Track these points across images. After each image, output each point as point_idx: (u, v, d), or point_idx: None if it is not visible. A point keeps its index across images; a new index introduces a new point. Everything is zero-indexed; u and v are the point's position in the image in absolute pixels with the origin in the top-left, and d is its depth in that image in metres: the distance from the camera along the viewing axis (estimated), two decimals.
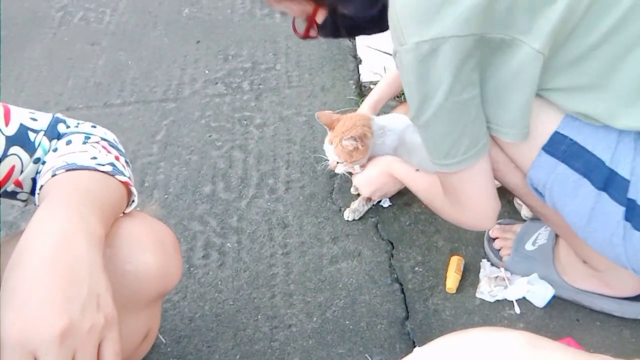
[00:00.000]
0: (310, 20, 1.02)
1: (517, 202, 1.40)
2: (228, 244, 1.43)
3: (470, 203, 1.02)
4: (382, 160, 1.39)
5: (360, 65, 1.99)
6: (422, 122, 0.93)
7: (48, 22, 2.44)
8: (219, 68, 2.08)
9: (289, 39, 2.19)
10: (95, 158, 0.80)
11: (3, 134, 0.81)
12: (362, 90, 1.90)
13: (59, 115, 0.91)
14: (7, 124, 0.82)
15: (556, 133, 0.91)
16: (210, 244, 1.44)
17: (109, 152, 0.85)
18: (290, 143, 1.71)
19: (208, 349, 1.21)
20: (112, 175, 0.79)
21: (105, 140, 0.89)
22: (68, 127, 0.89)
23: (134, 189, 0.84)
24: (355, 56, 2.05)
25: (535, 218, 1.28)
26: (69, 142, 0.84)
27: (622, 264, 0.95)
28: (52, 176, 0.75)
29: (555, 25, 0.82)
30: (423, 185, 1.23)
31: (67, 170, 0.75)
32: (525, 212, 1.36)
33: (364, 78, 1.93)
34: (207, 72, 2.07)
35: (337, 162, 1.41)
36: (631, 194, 0.87)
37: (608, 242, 0.93)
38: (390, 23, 0.88)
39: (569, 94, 0.89)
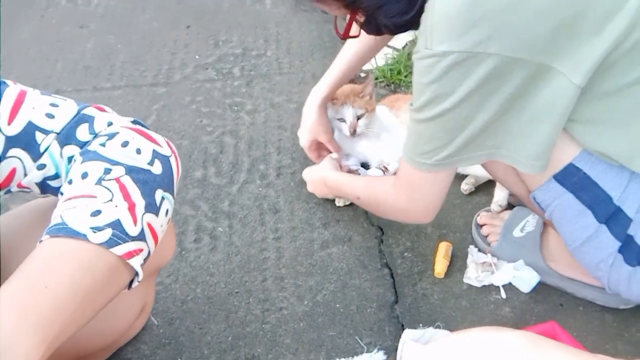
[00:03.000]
0: (350, 22, 1.01)
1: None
2: (219, 228, 1.44)
3: (421, 200, 1.07)
4: (321, 168, 1.44)
5: None
6: (417, 118, 0.94)
7: (36, 3, 2.41)
8: (209, 53, 2.08)
9: (280, 26, 2.19)
10: (97, 214, 0.68)
11: (3, 134, 0.74)
12: (353, 79, 1.90)
13: (88, 110, 0.79)
14: (10, 122, 0.74)
15: (570, 165, 0.93)
16: (202, 228, 1.45)
17: (127, 194, 0.72)
18: (281, 129, 1.72)
19: (200, 331, 1.22)
20: (107, 248, 0.67)
21: (138, 152, 0.76)
22: (92, 132, 0.77)
23: (137, 262, 0.70)
24: None
25: (522, 205, 1.31)
26: (84, 175, 0.72)
27: (600, 282, 1.02)
28: (41, 241, 0.67)
29: (599, 60, 0.81)
30: (359, 185, 1.27)
31: (52, 237, 0.66)
32: (494, 206, 1.38)
33: None
34: (197, 57, 2.07)
35: (358, 120, 1.44)
36: (631, 231, 0.92)
37: (594, 265, 0.99)
38: (422, 20, 0.87)
39: (590, 127, 0.90)
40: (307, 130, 1.49)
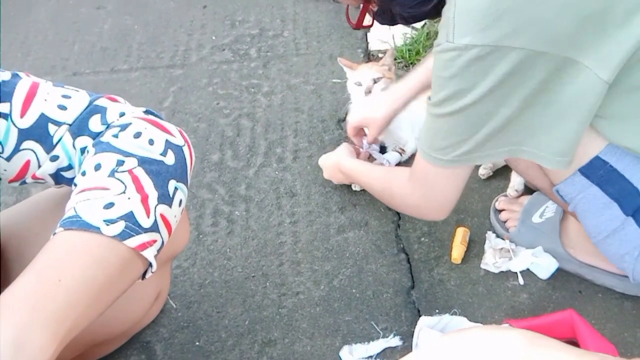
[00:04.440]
0: (363, 11, 0.99)
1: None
2: (236, 212, 1.45)
3: (435, 197, 1.05)
4: (336, 154, 1.41)
5: (368, 33, 1.97)
6: (436, 112, 0.92)
7: None
8: (226, 34, 2.06)
9: (297, 5, 2.16)
10: (110, 206, 0.69)
11: (16, 127, 0.75)
12: (371, 59, 1.88)
13: (100, 101, 0.79)
14: (22, 115, 0.75)
15: (597, 158, 0.91)
16: (219, 211, 1.45)
17: (140, 185, 0.72)
18: (298, 112, 1.71)
19: (218, 314, 1.24)
20: (121, 240, 0.67)
21: (151, 142, 0.76)
22: (104, 122, 0.77)
23: (150, 254, 0.71)
24: None
25: None
26: (97, 167, 0.72)
27: (625, 272, 1.01)
28: (54, 233, 0.67)
29: (627, 54, 0.78)
30: (375, 175, 1.25)
31: (66, 229, 0.67)
32: (510, 190, 1.36)
33: (372, 47, 1.92)
34: (214, 38, 2.06)
35: (374, 83, 1.44)
36: None
37: (620, 257, 0.98)
38: (444, 13, 0.85)
39: (616, 122, 0.87)
40: (368, 115, 1.39)
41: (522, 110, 0.85)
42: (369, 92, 1.44)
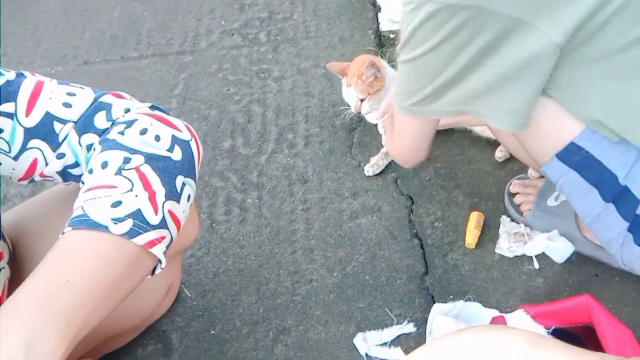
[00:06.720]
0: None
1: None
2: (249, 200, 1.45)
3: (400, 142, 1.11)
4: None
5: (379, 14, 1.94)
6: (399, 59, 0.96)
7: None
8: (235, 18, 2.04)
9: None
10: (118, 204, 0.69)
11: (22, 126, 0.75)
12: (382, 40, 1.85)
13: (105, 98, 0.79)
14: (28, 114, 0.75)
15: (572, 143, 0.90)
16: (232, 199, 1.45)
17: (147, 182, 0.72)
18: (308, 96, 1.70)
19: (232, 303, 1.25)
20: (129, 238, 0.68)
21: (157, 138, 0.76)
22: (109, 119, 0.77)
23: (159, 250, 0.71)
24: (374, 4, 1.99)
25: None
26: (104, 165, 0.72)
27: (615, 257, 1.01)
28: (63, 233, 0.67)
29: (581, 18, 0.77)
30: None
31: (74, 229, 0.67)
32: (532, 171, 1.34)
33: (383, 27, 1.88)
34: (223, 22, 2.04)
35: (361, 102, 1.45)
36: None
37: (607, 241, 0.98)
38: None
39: (584, 94, 0.87)
40: None
41: (468, 72, 0.87)
42: (358, 112, 1.48)
